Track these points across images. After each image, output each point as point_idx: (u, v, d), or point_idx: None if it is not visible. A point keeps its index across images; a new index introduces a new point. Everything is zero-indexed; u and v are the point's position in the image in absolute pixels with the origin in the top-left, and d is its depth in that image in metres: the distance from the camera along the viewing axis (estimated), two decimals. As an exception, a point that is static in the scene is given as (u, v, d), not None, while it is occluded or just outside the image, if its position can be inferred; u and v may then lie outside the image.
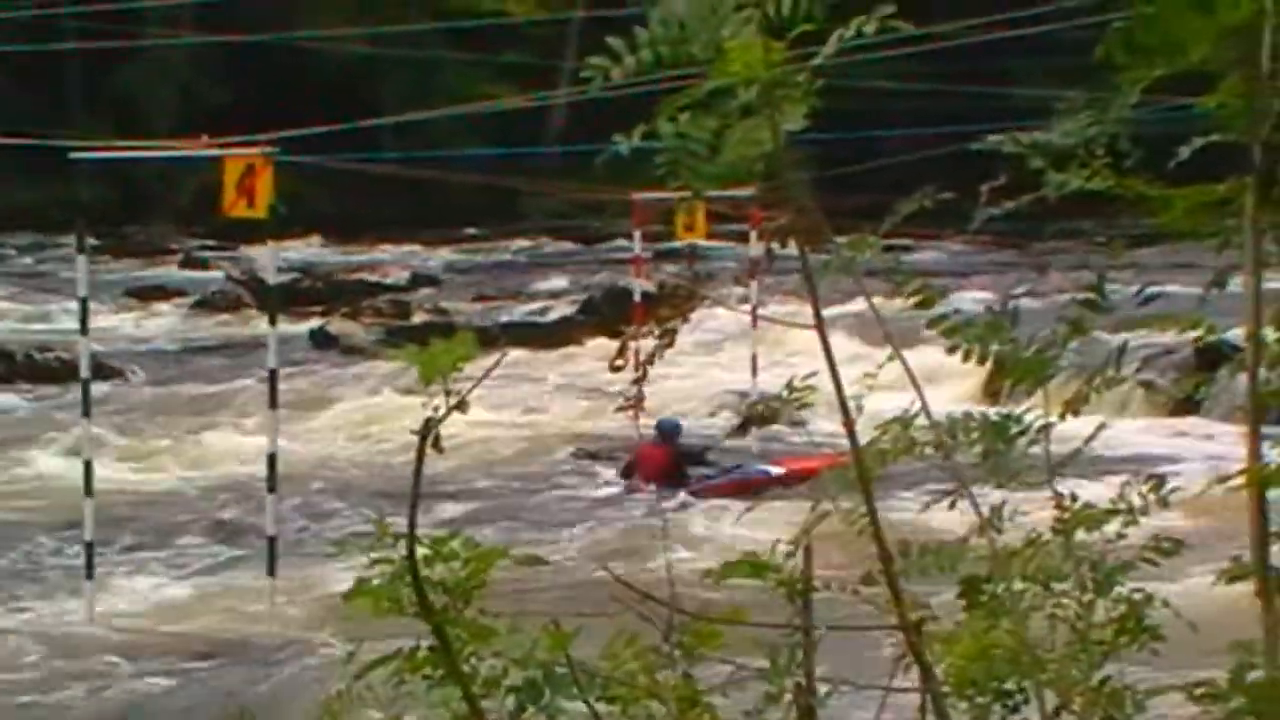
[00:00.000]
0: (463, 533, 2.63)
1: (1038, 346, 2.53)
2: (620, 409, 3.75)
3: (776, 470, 15.57)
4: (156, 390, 22.13)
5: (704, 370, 21.60)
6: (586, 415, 19.38)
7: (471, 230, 42.88)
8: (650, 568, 10.65)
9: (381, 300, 29.22)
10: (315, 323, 26.65)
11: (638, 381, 3.45)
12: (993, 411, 2.62)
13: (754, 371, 17.43)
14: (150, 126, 36.74)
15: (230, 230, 30.20)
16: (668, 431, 15.95)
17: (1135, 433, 16.11)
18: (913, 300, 2.58)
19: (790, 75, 2.26)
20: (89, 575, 11.77)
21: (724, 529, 14.02)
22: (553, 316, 27.63)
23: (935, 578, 2.67)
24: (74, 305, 12.43)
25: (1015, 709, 2.63)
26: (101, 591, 12.01)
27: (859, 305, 2.73)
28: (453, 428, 2.47)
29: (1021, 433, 2.56)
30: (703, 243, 21.59)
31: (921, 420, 2.55)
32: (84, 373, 12.01)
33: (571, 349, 24.48)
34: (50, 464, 16.65)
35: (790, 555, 2.70)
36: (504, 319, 27.44)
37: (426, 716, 2.61)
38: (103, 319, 23.84)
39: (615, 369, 3.74)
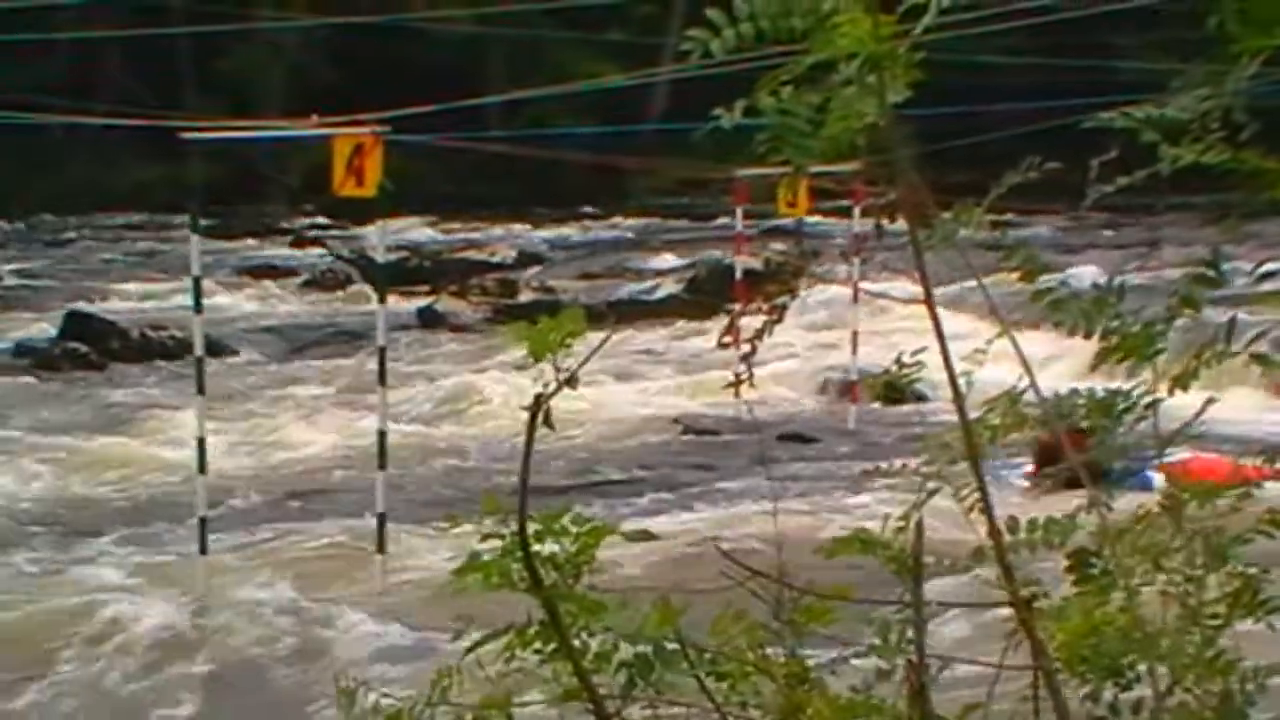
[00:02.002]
0: (572, 509, 2.65)
1: (1145, 322, 2.50)
2: (728, 385, 3.76)
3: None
4: (267, 368, 22.40)
5: (805, 347, 21.54)
6: (693, 392, 19.40)
7: (577, 209, 43.01)
8: (760, 544, 10.65)
9: (489, 278, 29.39)
10: (423, 301, 26.85)
11: (746, 358, 3.46)
12: (1100, 387, 2.60)
13: (854, 349, 17.37)
14: (261, 107, 37.12)
15: (340, 209, 30.52)
16: None
17: (1248, 408, 15.88)
18: (1017, 274, 2.56)
19: (893, 48, 2.25)
20: (202, 551, 11.94)
21: (834, 504, 14.00)
22: (659, 294, 27.67)
23: (1045, 553, 2.66)
24: (187, 284, 12.60)
25: (1128, 686, 2.61)
26: (214, 568, 12.17)
27: (964, 283, 2.72)
28: (561, 404, 2.49)
29: (1129, 408, 2.54)
30: (807, 219, 21.52)
31: (1030, 396, 2.54)
32: (198, 351, 12.16)
33: (678, 326, 24.50)
34: (163, 442, 16.90)
35: (900, 531, 2.69)
36: (610, 297, 27.52)
37: (537, 691, 2.63)
38: (215, 298, 24.15)
39: (723, 345, 3.75)
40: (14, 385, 20.88)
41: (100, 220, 42.11)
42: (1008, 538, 2.53)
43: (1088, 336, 2.51)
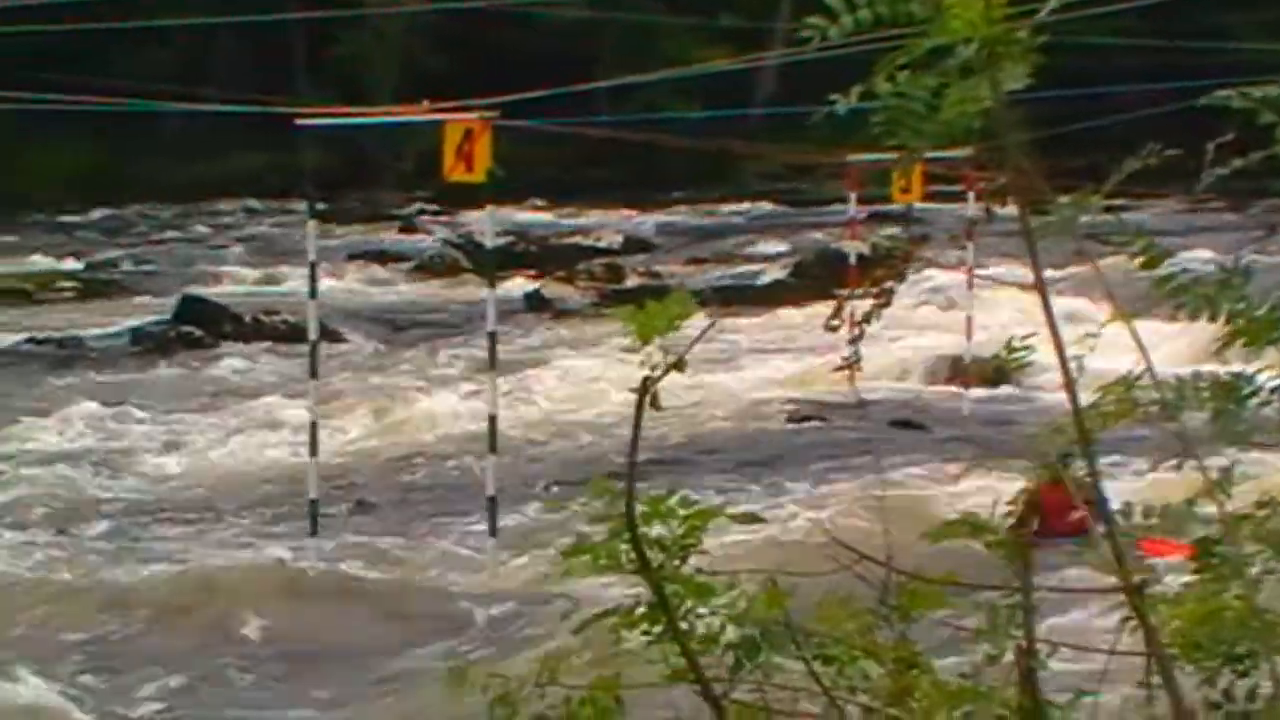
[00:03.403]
0: (679, 492, 2.65)
1: (1272, 304, 2.46)
2: (836, 370, 3.75)
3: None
4: (378, 352, 22.60)
5: (918, 334, 21.40)
6: (801, 378, 19.34)
7: (686, 194, 42.97)
8: (867, 528, 10.60)
9: (595, 264, 29.44)
10: (530, 286, 26.96)
11: (853, 342, 3.44)
12: (1222, 371, 2.56)
13: (969, 334, 17.25)
14: (372, 93, 37.43)
15: (449, 195, 30.68)
16: None
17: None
18: (1136, 261, 2.53)
19: (1011, 32, 2.23)
20: (313, 533, 12.08)
21: (944, 490, 13.90)
22: (766, 280, 27.60)
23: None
24: (299, 269, 12.75)
25: (1245, 674, 2.58)
26: (325, 550, 12.31)
27: (1078, 268, 2.70)
28: (669, 388, 2.49)
29: (1253, 393, 2.50)
30: (918, 205, 21.36)
31: (1146, 381, 2.50)
32: (312, 335, 12.31)
33: (785, 312, 24.44)
34: (276, 425, 17.09)
35: (1009, 515, 2.67)
36: (717, 282, 27.49)
37: (644, 672, 2.64)
38: (325, 282, 24.41)
39: (830, 329, 3.73)
40: (130, 368, 21.23)
41: (214, 206, 42.65)
42: (1121, 523, 2.51)
43: (1212, 320, 2.47)
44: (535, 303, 26.19)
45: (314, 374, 12.31)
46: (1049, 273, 2.44)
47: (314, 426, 12.15)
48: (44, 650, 10.58)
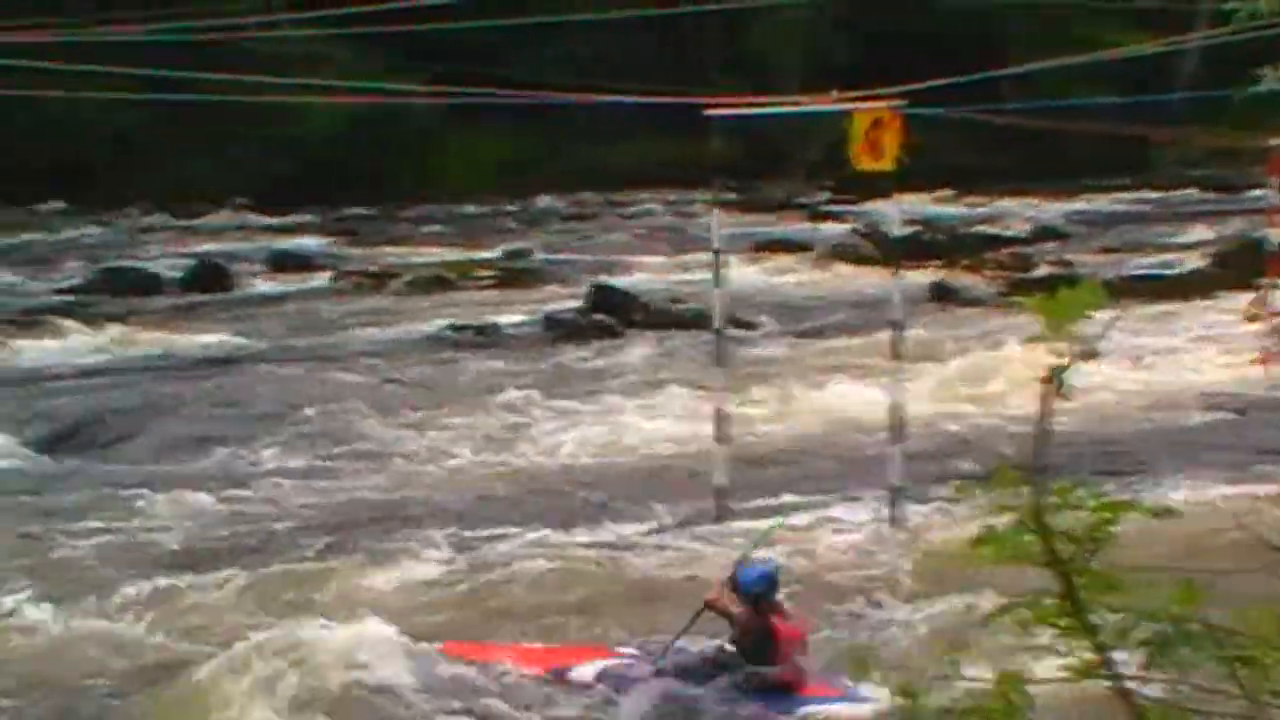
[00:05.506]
0: (1089, 482, 2.59)
1: None
2: (1255, 361, 3.62)
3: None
4: (782, 341, 22.74)
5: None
6: (1220, 369, 18.65)
7: (1098, 181, 41.90)
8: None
9: (1003, 253, 29.00)
10: (937, 275, 26.72)
11: (1274, 333, 3.31)
12: None
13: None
14: (778, 83, 37.62)
15: (854, 184, 30.65)
16: (747, 588, 9.51)
17: None
18: None
19: None
20: (718, 519, 12.23)
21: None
22: (1182, 269, 26.72)
23: None
24: (705, 257, 12.92)
25: None
26: (727, 534, 12.46)
27: None
28: (1079, 378, 2.44)
29: None
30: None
31: None
32: (717, 323, 12.48)
33: (1202, 301, 23.61)
34: (682, 411, 17.37)
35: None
36: (1132, 271, 26.75)
37: (1052, 667, 2.60)
38: (732, 271, 24.72)
39: (1250, 319, 3.60)
40: (544, 355, 21.92)
41: (625, 195, 43.58)
42: None
43: None
44: (941, 292, 25.95)
45: (720, 361, 12.47)
46: None
47: (720, 413, 12.30)
48: (429, 624, 11.03)
